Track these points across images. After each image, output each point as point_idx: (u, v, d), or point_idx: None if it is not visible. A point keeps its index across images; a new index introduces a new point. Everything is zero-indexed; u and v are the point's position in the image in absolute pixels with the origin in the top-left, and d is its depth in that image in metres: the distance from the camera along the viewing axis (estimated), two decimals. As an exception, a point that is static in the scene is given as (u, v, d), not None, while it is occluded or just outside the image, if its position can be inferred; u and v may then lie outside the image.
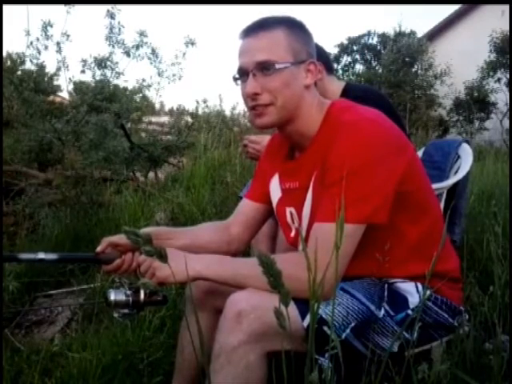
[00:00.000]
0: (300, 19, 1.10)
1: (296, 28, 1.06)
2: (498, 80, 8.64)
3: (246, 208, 1.31)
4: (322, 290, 0.69)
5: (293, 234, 1.16)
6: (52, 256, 1.10)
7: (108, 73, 3.77)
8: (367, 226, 0.96)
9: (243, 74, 1.05)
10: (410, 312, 1.01)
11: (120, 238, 1.15)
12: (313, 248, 0.80)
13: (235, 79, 1.08)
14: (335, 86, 1.91)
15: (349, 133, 0.98)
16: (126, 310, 1.09)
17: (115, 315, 1.11)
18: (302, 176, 1.09)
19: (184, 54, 3.97)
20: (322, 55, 1.92)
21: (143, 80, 4.14)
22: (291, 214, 1.14)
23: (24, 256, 1.10)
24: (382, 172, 0.95)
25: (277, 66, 1.00)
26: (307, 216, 1.06)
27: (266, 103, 1.02)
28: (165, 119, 6.53)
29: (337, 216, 0.89)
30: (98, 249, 1.17)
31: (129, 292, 1.08)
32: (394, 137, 1.02)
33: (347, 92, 1.89)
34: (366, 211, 0.94)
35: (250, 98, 1.03)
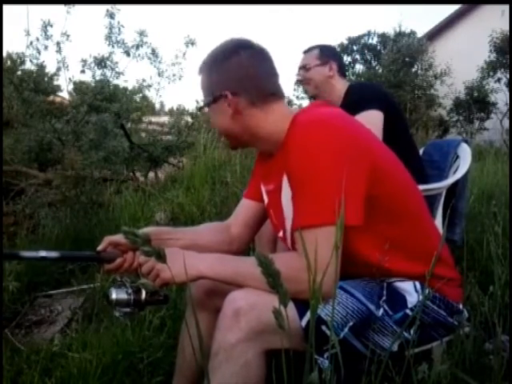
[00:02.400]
0: (224, 50, 1.11)
1: (213, 65, 1.11)
2: (498, 80, 8.63)
3: (246, 208, 1.32)
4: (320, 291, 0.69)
5: (281, 233, 1.16)
6: (53, 254, 1.10)
7: (108, 73, 3.77)
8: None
9: None
10: (408, 311, 1.01)
11: (121, 238, 1.15)
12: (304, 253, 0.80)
13: None
14: (341, 86, 2.02)
15: (300, 134, 0.98)
16: (127, 309, 1.09)
17: (116, 314, 1.10)
18: (274, 178, 1.11)
19: (184, 54, 3.98)
20: (335, 55, 2.10)
21: (143, 80, 4.15)
22: (273, 214, 1.18)
23: (25, 254, 1.10)
24: (336, 176, 0.91)
25: (205, 109, 1.15)
26: (290, 217, 1.06)
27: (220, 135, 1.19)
28: (165, 119, 6.52)
29: (303, 221, 0.93)
30: (99, 247, 1.17)
31: (130, 291, 1.08)
32: (350, 139, 0.99)
33: (347, 94, 1.98)
34: (328, 213, 0.90)
35: None
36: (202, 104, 1.17)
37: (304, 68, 2.05)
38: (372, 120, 1.72)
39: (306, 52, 2.10)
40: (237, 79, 1.09)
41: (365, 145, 1.02)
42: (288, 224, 1.07)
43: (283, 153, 1.04)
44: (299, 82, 2.12)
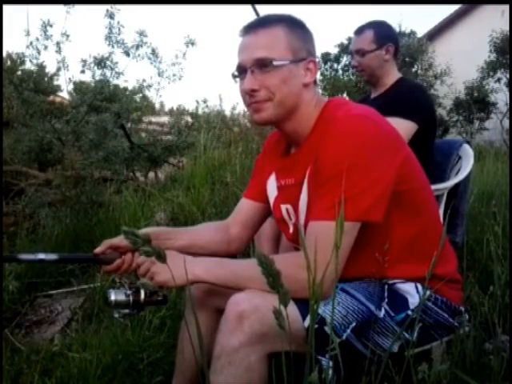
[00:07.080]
0: (300, 18, 1.10)
1: (296, 26, 1.06)
2: (498, 80, 8.63)
3: (245, 207, 1.31)
4: (321, 288, 0.69)
5: (291, 230, 1.16)
6: (52, 256, 1.10)
7: (108, 73, 3.76)
8: (362, 224, 0.96)
9: (242, 70, 1.05)
10: (410, 312, 1.01)
11: (120, 241, 1.15)
12: (310, 247, 0.80)
13: (234, 76, 1.09)
14: (394, 73, 1.91)
15: (340, 129, 0.98)
16: (126, 310, 1.09)
17: (116, 315, 1.10)
18: (297, 172, 1.09)
19: (184, 54, 3.97)
20: (391, 35, 1.90)
21: (143, 80, 4.14)
22: (287, 210, 1.14)
23: (24, 257, 1.10)
24: (375, 170, 0.94)
25: (275, 63, 1.01)
26: (304, 212, 1.06)
27: (264, 99, 1.03)
28: (165, 119, 6.52)
29: (334, 214, 0.89)
30: (98, 250, 1.17)
31: (129, 292, 1.08)
32: (388, 135, 1.02)
33: (395, 86, 1.88)
34: (362, 209, 0.93)
35: (248, 94, 1.04)
36: (262, 55, 1.01)
37: (359, 53, 1.85)
38: (404, 131, 1.67)
39: (358, 33, 1.87)
40: (315, 52, 1.09)
41: (399, 140, 1.05)
42: (302, 219, 1.06)
43: (312, 145, 1.04)
44: (354, 68, 1.93)
